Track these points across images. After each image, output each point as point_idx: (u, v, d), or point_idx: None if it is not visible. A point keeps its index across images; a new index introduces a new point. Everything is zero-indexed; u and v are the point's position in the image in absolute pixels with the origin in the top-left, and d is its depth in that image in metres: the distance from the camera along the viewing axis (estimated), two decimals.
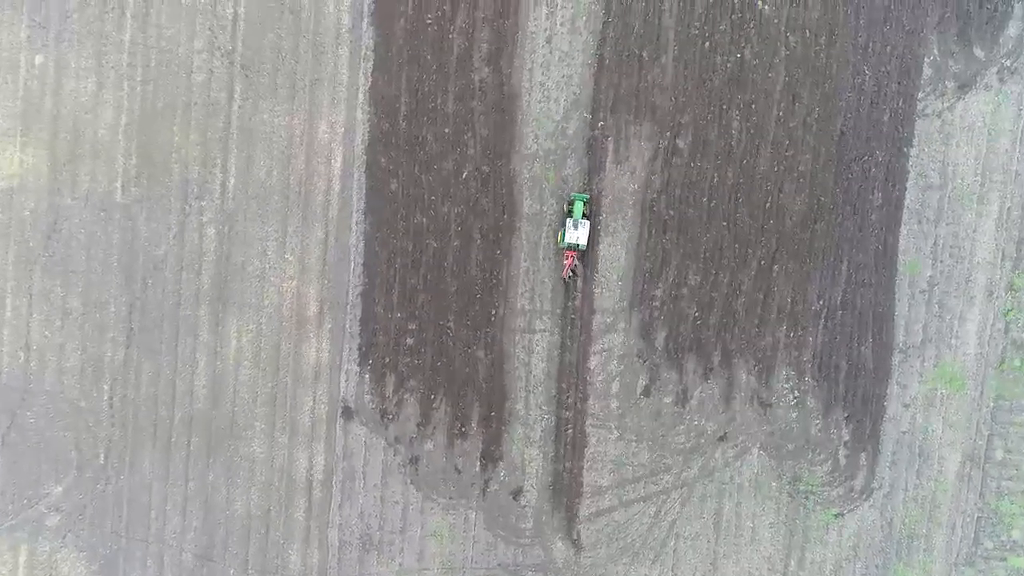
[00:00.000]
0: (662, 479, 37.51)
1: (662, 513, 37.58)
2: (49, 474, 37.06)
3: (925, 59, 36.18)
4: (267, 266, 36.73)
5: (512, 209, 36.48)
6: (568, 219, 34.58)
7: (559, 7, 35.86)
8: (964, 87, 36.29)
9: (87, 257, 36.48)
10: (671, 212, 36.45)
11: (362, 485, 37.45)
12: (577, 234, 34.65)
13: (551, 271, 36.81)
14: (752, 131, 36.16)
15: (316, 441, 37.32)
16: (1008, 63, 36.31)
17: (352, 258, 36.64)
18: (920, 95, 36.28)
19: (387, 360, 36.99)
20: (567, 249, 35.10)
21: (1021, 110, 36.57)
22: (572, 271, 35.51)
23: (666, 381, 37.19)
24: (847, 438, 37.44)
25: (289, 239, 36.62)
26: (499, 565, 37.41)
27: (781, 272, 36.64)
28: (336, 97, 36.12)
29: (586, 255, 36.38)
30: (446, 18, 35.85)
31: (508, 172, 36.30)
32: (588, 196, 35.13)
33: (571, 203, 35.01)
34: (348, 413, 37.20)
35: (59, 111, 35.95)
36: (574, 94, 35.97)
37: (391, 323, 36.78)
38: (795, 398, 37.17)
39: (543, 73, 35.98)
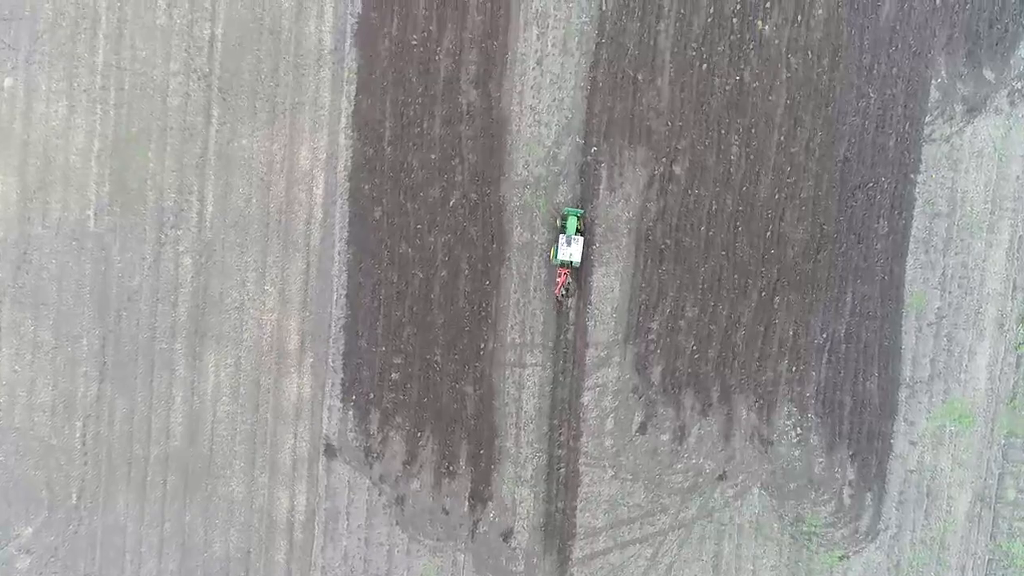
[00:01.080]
0: (659, 520, 36.22)
1: (659, 555, 36.27)
2: (19, 515, 35.85)
3: (932, 81, 34.97)
4: (246, 298, 35.56)
5: (501, 238, 35.30)
6: (561, 235, 33.56)
7: (550, 27, 34.64)
8: (973, 111, 35.05)
9: (58, 288, 35.29)
10: (667, 241, 35.19)
11: (346, 526, 36.22)
12: (570, 251, 33.64)
13: (542, 303, 35.52)
14: (752, 156, 34.93)
15: (298, 480, 36.11)
16: (1019, 85, 35.06)
17: (335, 289, 35.44)
18: (927, 119, 35.07)
19: (371, 396, 35.79)
20: (560, 266, 33.99)
21: None
22: (565, 289, 34.47)
23: (663, 418, 35.93)
24: (852, 477, 36.19)
25: (269, 269, 35.45)
26: None
27: (783, 304, 35.40)
28: (318, 121, 34.99)
29: (579, 286, 35.18)
30: (432, 39, 34.65)
31: (497, 199, 35.15)
32: (582, 211, 34.13)
33: (564, 218, 34.04)
34: (331, 451, 35.97)
35: (29, 136, 34.77)
36: (566, 118, 34.79)
37: (375, 357, 35.64)
38: (797, 435, 35.94)
39: (533, 96, 34.80)
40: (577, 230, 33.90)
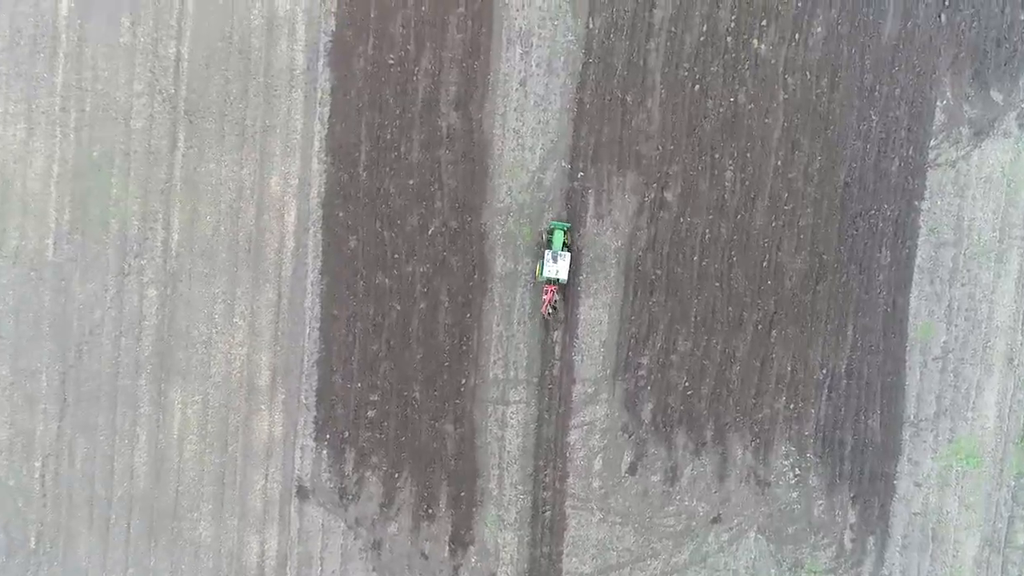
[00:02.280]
0: (650, 565, 34.62)
1: None
2: None
3: (937, 103, 33.64)
4: (214, 331, 34.16)
5: (483, 268, 33.88)
6: (546, 251, 32.22)
7: (534, 46, 33.25)
8: (980, 134, 33.71)
9: (16, 322, 33.86)
10: (658, 271, 33.72)
11: (319, 572, 34.75)
12: (557, 267, 32.33)
13: (527, 336, 34.03)
14: (747, 182, 33.51)
15: (269, 523, 34.59)
16: None
17: (307, 322, 34.03)
18: (932, 143, 33.74)
19: (346, 434, 34.33)
20: (546, 283, 32.62)
21: None
22: (552, 307, 33.14)
23: (653, 458, 34.51)
24: (853, 520, 34.69)
25: (238, 302, 34.05)
26: None
27: (780, 337, 33.96)
28: (289, 145, 33.63)
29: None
30: (410, 58, 33.26)
31: (479, 228, 33.76)
32: (569, 225, 32.81)
33: (550, 232, 32.72)
34: (304, 493, 34.47)
35: None
36: (551, 142, 33.42)
37: (351, 394, 34.21)
38: (796, 476, 34.47)
39: (517, 119, 33.44)
40: (564, 245, 32.65)
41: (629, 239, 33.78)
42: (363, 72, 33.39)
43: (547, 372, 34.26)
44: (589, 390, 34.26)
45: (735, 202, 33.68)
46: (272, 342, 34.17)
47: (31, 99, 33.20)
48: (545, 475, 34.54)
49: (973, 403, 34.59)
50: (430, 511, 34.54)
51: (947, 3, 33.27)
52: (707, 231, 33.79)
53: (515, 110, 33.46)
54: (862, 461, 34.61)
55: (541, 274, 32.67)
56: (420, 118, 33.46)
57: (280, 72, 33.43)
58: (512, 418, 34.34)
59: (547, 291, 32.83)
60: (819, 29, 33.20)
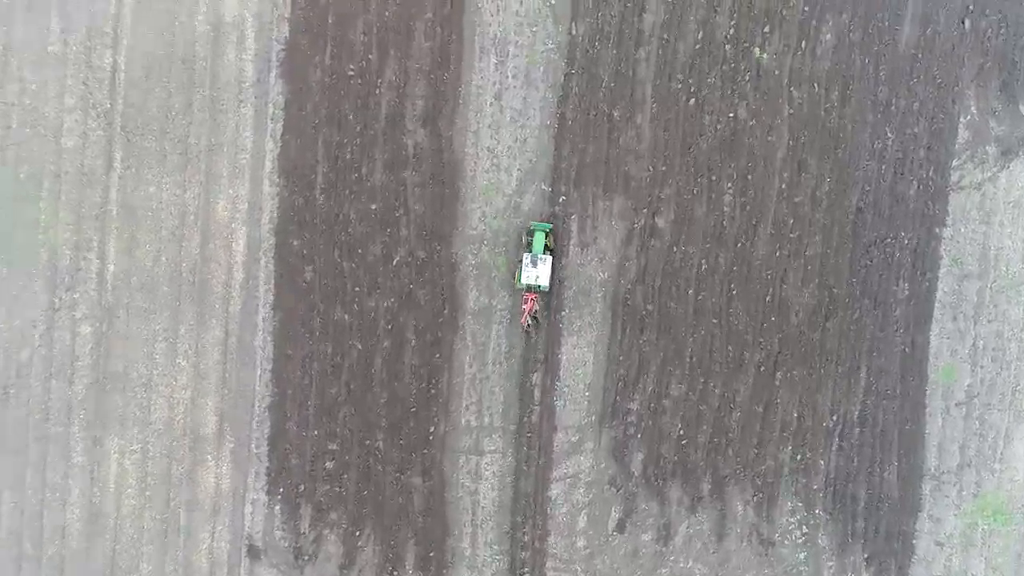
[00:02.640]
0: None
1: None
2: None
3: (961, 119, 31.21)
4: (154, 373, 31.58)
5: (455, 303, 31.38)
6: (525, 254, 29.95)
7: (510, 55, 30.94)
8: (1008, 153, 31.31)
9: None
10: (649, 306, 31.23)
11: None
12: (537, 272, 30.08)
13: (503, 379, 31.52)
14: (748, 207, 31.12)
15: None
16: None
17: (259, 363, 31.51)
18: (955, 163, 31.30)
19: (302, 488, 31.67)
20: (526, 291, 30.44)
21: None
22: (533, 318, 30.76)
23: (644, 514, 31.90)
24: None
25: (181, 340, 31.49)
26: None
27: (785, 380, 31.57)
28: (238, 166, 31.15)
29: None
30: (372, 69, 30.91)
31: (449, 258, 31.25)
32: (551, 225, 30.47)
33: (530, 234, 30.34)
34: (255, 552, 31.85)
35: None
36: (529, 162, 30.94)
37: (307, 443, 31.60)
38: (803, 535, 31.98)
39: (492, 136, 31.02)
40: (546, 247, 30.23)
41: (617, 270, 31.10)
42: (320, 84, 30.89)
43: (525, 419, 31.58)
44: (572, 439, 31.54)
45: (735, 229, 31.09)
46: (219, 385, 31.55)
47: None
48: (523, 533, 31.87)
49: (1001, 454, 32.06)
50: (395, 573, 31.73)
51: (971, 7, 30.89)
52: (704, 261, 31.17)
53: (489, 126, 30.95)
54: (877, 518, 32.04)
55: (519, 280, 30.30)
56: (383, 135, 30.91)
57: (228, 84, 30.97)
58: (487, 470, 31.67)
59: (527, 299, 30.44)
60: (828, 36, 30.78)
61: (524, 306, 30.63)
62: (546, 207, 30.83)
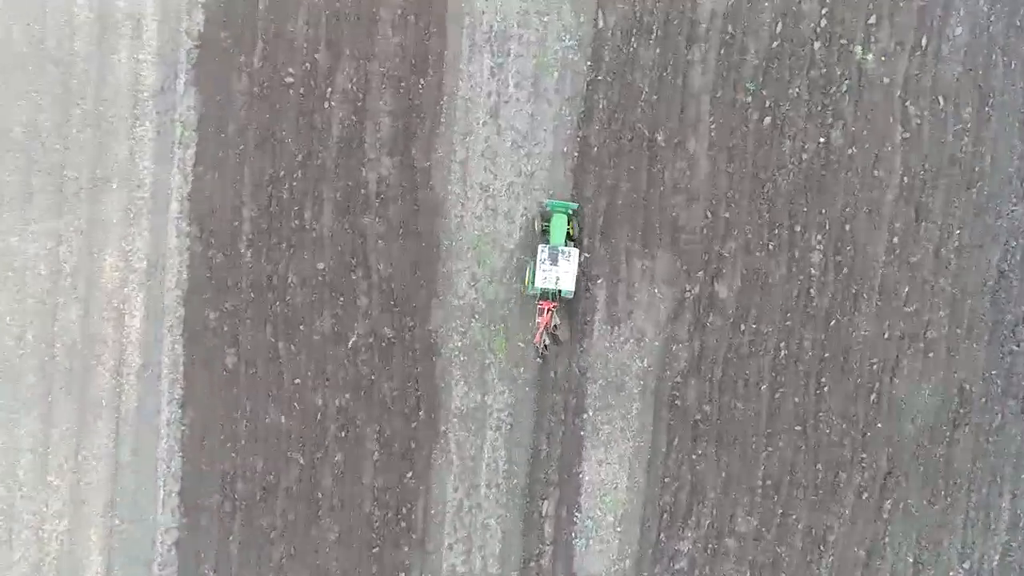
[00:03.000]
0: None
1: None
2: None
3: None
4: (17, 496, 23.65)
5: (433, 401, 23.38)
6: (541, 247, 21.81)
7: (512, 55, 23.33)
8: None
9: None
10: (706, 407, 23.42)
11: None
12: (557, 272, 21.77)
13: (500, 506, 23.37)
14: (846, 270, 23.31)
15: None
16: None
17: (161, 483, 23.61)
18: None
19: None
20: (541, 299, 22.37)
21: None
22: (552, 336, 22.79)
23: None
24: None
25: (54, 451, 23.59)
26: None
27: (896, 512, 23.52)
28: (134, 208, 23.42)
29: (563, 477, 22.94)
30: (319, 75, 23.42)
31: (426, 338, 23.32)
32: (576, 205, 22.75)
33: (546, 219, 22.65)
34: None
35: None
36: (539, 205, 23.03)
37: None
38: None
39: (486, 169, 23.23)
40: (568, 236, 22.41)
41: (661, 357, 22.89)
42: (247, 95, 23.16)
43: (533, 563, 23.30)
44: None
45: (826, 301, 22.99)
46: (105, 512, 23.56)
47: None
48: None
49: None
50: None
51: None
52: (782, 346, 22.96)
53: (483, 155, 23.11)
54: None
55: (531, 284, 22.28)
56: (336, 167, 23.06)
57: (119, 95, 23.24)
58: None
59: (543, 310, 22.30)
60: (959, 29, 22.79)
61: (539, 320, 22.07)
62: None
